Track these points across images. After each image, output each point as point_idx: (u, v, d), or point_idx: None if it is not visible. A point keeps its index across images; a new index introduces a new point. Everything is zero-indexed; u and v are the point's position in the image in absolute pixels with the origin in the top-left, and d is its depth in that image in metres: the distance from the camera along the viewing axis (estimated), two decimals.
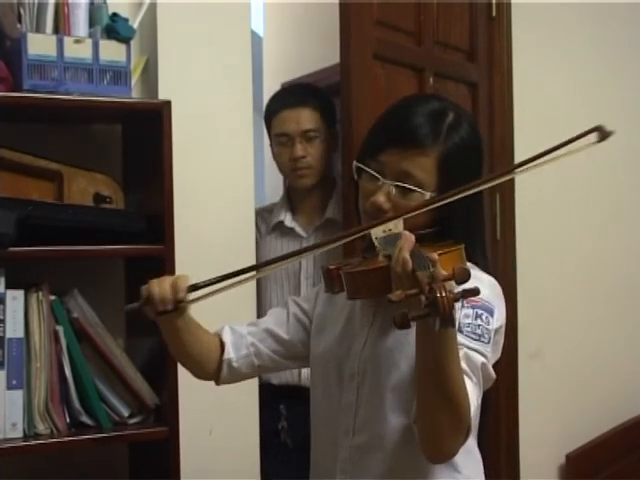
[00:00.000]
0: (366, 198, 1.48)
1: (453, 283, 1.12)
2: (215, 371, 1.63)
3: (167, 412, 1.98)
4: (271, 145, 2.56)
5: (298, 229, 2.53)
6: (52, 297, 1.91)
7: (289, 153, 2.47)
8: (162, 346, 1.98)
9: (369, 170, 1.48)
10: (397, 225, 1.36)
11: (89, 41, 1.95)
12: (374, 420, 1.46)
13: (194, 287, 1.43)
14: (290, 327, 1.65)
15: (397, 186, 1.44)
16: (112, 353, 1.98)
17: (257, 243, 2.46)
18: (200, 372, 1.65)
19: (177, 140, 2.00)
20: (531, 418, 3.01)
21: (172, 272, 1.95)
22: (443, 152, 1.44)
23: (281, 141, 2.49)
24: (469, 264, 1.43)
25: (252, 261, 2.36)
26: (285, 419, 2.51)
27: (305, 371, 2.44)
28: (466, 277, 1.12)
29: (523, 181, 2.90)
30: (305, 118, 2.46)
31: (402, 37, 2.52)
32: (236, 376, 1.65)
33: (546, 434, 3.07)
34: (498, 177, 1.41)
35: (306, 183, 2.50)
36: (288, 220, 2.54)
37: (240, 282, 1.40)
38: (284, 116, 2.47)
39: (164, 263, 1.95)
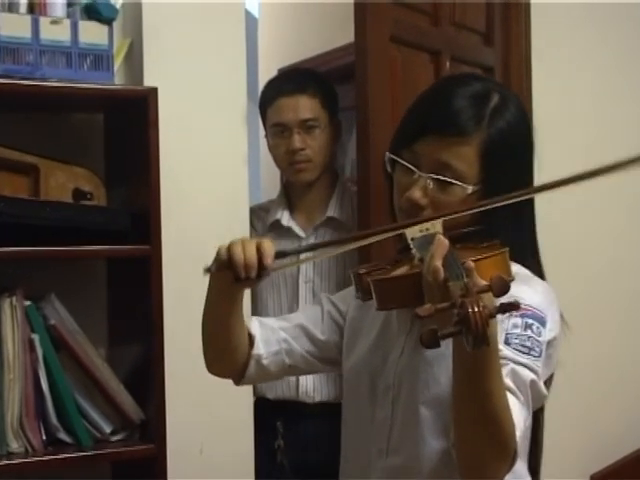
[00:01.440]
0: (401, 193, 1.44)
1: (491, 296, 1.09)
2: (241, 367, 1.57)
3: (153, 428, 1.98)
4: (266, 136, 2.56)
5: (296, 229, 2.53)
6: (27, 302, 1.90)
7: (286, 145, 2.46)
8: (147, 356, 1.99)
9: (403, 162, 1.43)
10: (435, 224, 1.32)
11: (67, 22, 1.95)
12: (410, 440, 1.42)
13: (282, 254, 1.38)
14: (325, 327, 1.61)
15: (435, 179, 1.39)
16: (93, 363, 1.97)
17: None
18: (224, 365, 1.58)
19: (164, 131, 2.00)
20: (553, 435, 3.00)
21: (158, 274, 1.95)
22: (486, 139, 1.40)
23: (277, 132, 2.48)
24: (519, 267, 1.40)
25: None
26: (282, 437, 2.50)
27: (303, 384, 2.44)
28: (505, 288, 1.08)
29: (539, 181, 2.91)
30: (303, 106, 2.45)
31: (418, 17, 2.54)
32: (263, 375, 1.60)
33: (569, 452, 3.07)
34: (561, 184, 1.31)
35: (305, 178, 2.49)
36: (285, 219, 2.54)
37: (327, 253, 1.39)
38: (280, 104, 2.47)
39: (150, 265, 1.95)
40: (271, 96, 2.50)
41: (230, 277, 1.37)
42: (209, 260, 2.24)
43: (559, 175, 1.42)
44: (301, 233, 2.52)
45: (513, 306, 1.07)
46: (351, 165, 3.51)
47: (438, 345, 1.05)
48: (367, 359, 1.52)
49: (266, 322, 1.62)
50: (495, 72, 2.87)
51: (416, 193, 1.41)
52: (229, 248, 1.36)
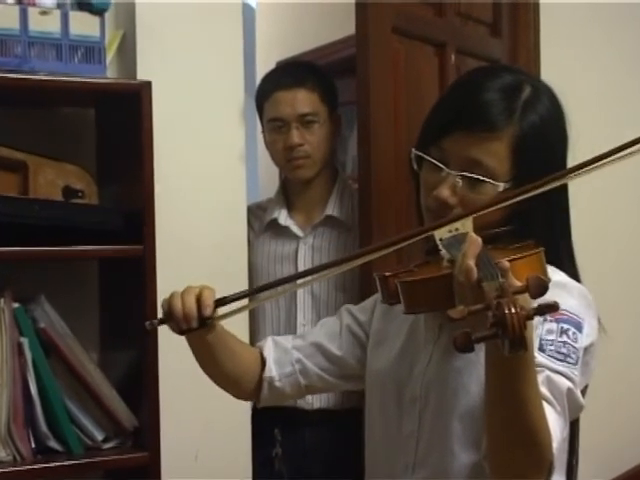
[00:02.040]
0: (428, 192, 1.42)
1: (527, 297, 1.07)
2: (254, 390, 1.61)
3: (147, 435, 1.97)
4: (263, 132, 2.55)
5: (294, 228, 2.52)
6: (15, 305, 1.90)
7: (284, 140, 2.46)
8: (141, 360, 1.99)
9: (430, 159, 1.42)
10: (465, 224, 1.30)
11: (57, 12, 1.94)
12: (438, 453, 1.41)
13: (221, 301, 1.41)
14: (343, 342, 1.61)
15: (464, 177, 1.38)
16: (84, 368, 1.97)
17: (250, 244, 2.46)
18: (238, 392, 1.63)
19: (158, 126, 1.99)
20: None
21: (152, 276, 1.95)
22: (518, 134, 1.38)
23: (275, 127, 2.48)
24: (553, 269, 1.37)
25: (244, 264, 2.36)
26: (280, 445, 2.50)
27: None
28: (543, 289, 1.06)
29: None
30: (302, 100, 2.45)
31: (422, 8, 2.54)
32: (279, 397, 1.62)
33: (588, 456, 3.06)
34: (589, 164, 1.28)
35: (303, 175, 2.49)
36: (283, 218, 2.53)
37: (275, 295, 1.40)
38: (278, 98, 2.46)
39: (143, 265, 1.94)
40: (268, 90, 2.50)
41: (175, 330, 1.42)
42: (205, 261, 2.26)
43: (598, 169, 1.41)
44: (299, 232, 2.52)
45: (552, 307, 1.04)
46: (352, 162, 3.51)
47: (472, 349, 1.03)
48: (393, 369, 1.50)
49: (280, 342, 1.63)
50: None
51: (444, 192, 1.39)
52: (169, 300, 1.41)
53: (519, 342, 1.01)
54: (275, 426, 2.49)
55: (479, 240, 1.19)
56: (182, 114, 2.25)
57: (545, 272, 1.25)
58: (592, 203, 3.15)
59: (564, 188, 1.43)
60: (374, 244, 1.44)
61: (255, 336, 2.44)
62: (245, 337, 2.28)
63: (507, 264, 1.12)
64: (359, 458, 2.28)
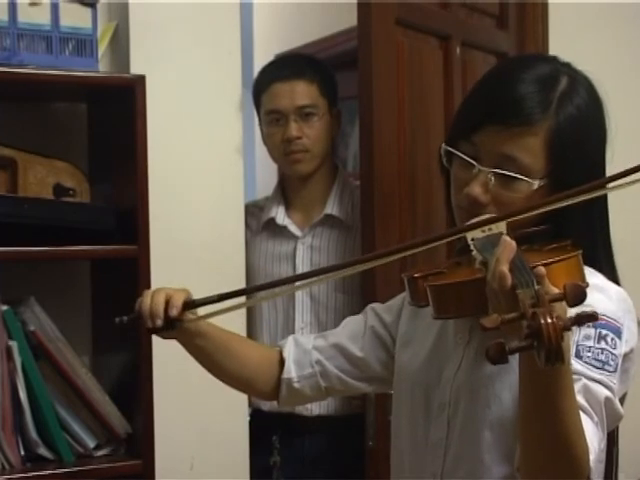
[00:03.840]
0: (459, 189, 1.40)
1: (564, 305, 1.05)
2: (273, 390, 1.61)
3: (141, 442, 1.97)
4: (260, 126, 2.55)
5: (292, 227, 2.52)
6: (4, 307, 1.89)
7: (281, 133, 2.45)
8: (134, 365, 1.98)
9: (461, 155, 1.39)
10: (498, 224, 1.28)
11: (47, 3, 1.94)
12: (468, 464, 1.39)
13: (190, 304, 1.44)
14: (366, 343, 1.60)
15: (496, 174, 1.36)
16: (76, 373, 1.97)
17: (247, 243, 2.45)
18: (256, 393, 1.66)
19: (152, 122, 1.99)
20: None
21: (147, 276, 1.94)
22: (554, 128, 1.35)
23: (272, 119, 2.47)
24: (591, 271, 1.35)
25: (241, 264, 2.36)
26: (278, 453, 2.49)
27: None
28: (582, 297, 1.04)
29: None
30: (300, 92, 2.45)
31: None
32: (299, 398, 1.63)
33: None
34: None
35: (302, 170, 2.48)
36: (280, 217, 2.53)
37: (248, 303, 1.41)
38: (275, 90, 2.46)
39: (137, 266, 1.94)
40: (266, 81, 2.50)
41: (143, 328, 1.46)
42: (201, 261, 2.25)
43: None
44: (297, 232, 2.51)
45: (591, 317, 1.01)
46: (354, 159, 3.51)
47: (506, 361, 1.01)
48: (421, 373, 1.48)
49: (301, 341, 1.63)
50: None
51: (476, 189, 1.37)
52: (140, 299, 1.46)
53: (556, 354, 0.99)
54: (273, 433, 2.49)
55: (513, 244, 1.17)
56: (177, 109, 2.25)
57: (583, 276, 1.23)
58: (633, 201, 3.14)
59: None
60: (397, 245, 1.42)
61: (252, 339, 2.43)
62: None
63: (543, 270, 1.10)
64: (360, 466, 2.28)
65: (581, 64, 3.22)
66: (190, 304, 1.44)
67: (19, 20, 1.90)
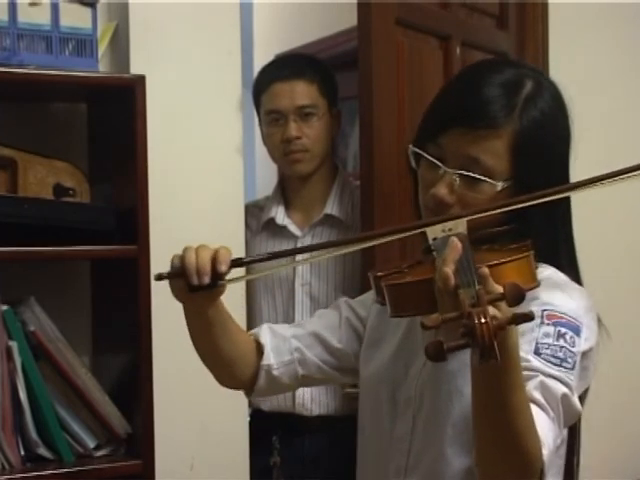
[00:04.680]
0: (425, 190, 1.43)
1: (504, 305, 1.08)
2: (250, 379, 1.59)
3: (141, 442, 1.97)
4: (260, 126, 2.56)
5: (292, 227, 2.52)
6: (4, 307, 1.89)
7: (281, 133, 2.46)
8: (134, 365, 1.98)
9: (428, 156, 1.42)
10: (458, 223, 1.29)
11: (47, 3, 1.94)
12: (431, 458, 1.41)
13: (238, 262, 1.37)
14: (342, 334, 1.61)
15: (462, 175, 1.39)
16: (76, 373, 1.97)
17: (247, 243, 2.45)
18: (230, 379, 1.60)
19: (152, 122, 1.99)
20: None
21: (147, 276, 1.94)
22: (518, 131, 1.38)
23: (272, 119, 2.48)
24: (553, 270, 1.39)
25: None
26: (278, 453, 2.49)
27: (299, 395, 2.43)
28: (520, 297, 1.07)
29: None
30: (300, 92, 2.45)
31: None
32: (275, 387, 1.61)
33: (590, 466, 3.05)
34: (595, 181, 1.28)
35: (301, 170, 2.48)
36: (280, 217, 2.53)
37: (290, 263, 1.38)
38: (275, 90, 2.47)
39: (137, 266, 1.94)
40: (266, 81, 2.50)
41: (183, 287, 1.37)
42: None
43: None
44: (297, 232, 2.51)
45: (527, 317, 1.05)
46: (354, 159, 3.51)
47: (445, 359, 1.04)
48: (388, 369, 1.51)
49: (278, 330, 1.62)
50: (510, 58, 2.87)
51: (442, 190, 1.40)
52: (182, 254, 1.37)
53: (488, 353, 1.02)
54: (273, 433, 2.49)
55: (459, 245, 1.19)
56: (177, 109, 2.25)
57: (533, 276, 1.25)
58: (598, 204, 3.14)
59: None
60: (360, 233, 1.44)
61: None
62: None
63: (486, 270, 1.13)
64: None
65: (581, 64, 3.24)
66: (237, 261, 1.37)
67: (19, 20, 1.91)
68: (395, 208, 2.29)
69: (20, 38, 1.91)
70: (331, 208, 2.50)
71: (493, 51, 2.78)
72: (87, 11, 1.98)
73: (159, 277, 1.38)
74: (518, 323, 1.06)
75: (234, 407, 2.27)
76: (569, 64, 3.03)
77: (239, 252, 2.36)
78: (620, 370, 3.17)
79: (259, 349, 1.58)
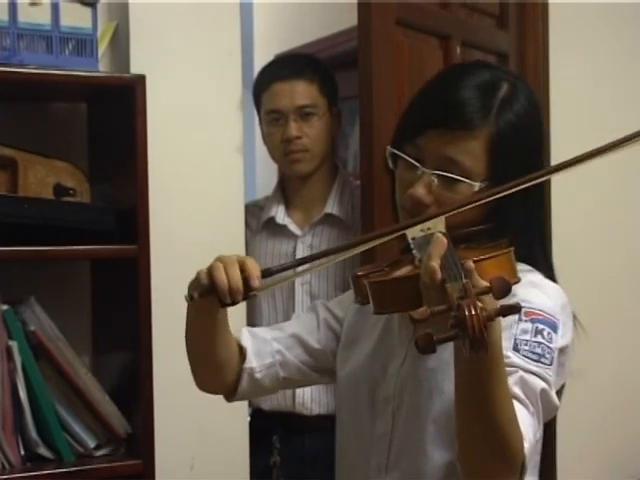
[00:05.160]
0: (403, 190, 1.45)
1: (491, 298, 1.10)
2: (232, 382, 1.59)
3: (140, 442, 1.97)
4: (261, 125, 2.56)
5: (292, 227, 2.52)
6: (4, 307, 1.90)
7: (281, 133, 2.46)
8: (134, 365, 1.98)
9: (406, 157, 1.44)
10: (437, 223, 1.32)
11: (48, 3, 1.94)
12: (411, 454, 1.43)
13: (268, 272, 1.37)
14: (321, 335, 1.62)
15: (439, 175, 1.40)
16: (76, 373, 1.97)
17: (247, 243, 2.46)
18: (214, 382, 1.60)
19: (152, 122, 1.99)
20: (571, 450, 3.00)
21: (147, 276, 1.95)
22: (494, 132, 1.41)
23: (272, 119, 2.48)
24: (530, 269, 1.41)
25: None
26: (278, 453, 2.50)
27: (299, 395, 2.43)
28: (506, 290, 1.10)
29: (560, 174, 2.90)
30: (300, 92, 2.46)
31: None
32: (256, 389, 1.62)
33: (589, 469, 3.06)
34: (566, 166, 1.32)
35: (301, 169, 2.49)
36: (280, 216, 2.53)
37: (316, 267, 1.40)
38: (276, 90, 2.47)
39: (137, 266, 1.94)
40: (266, 81, 2.51)
41: (214, 302, 1.37)
42: (201, 261, 2.24)
43: (574, 169, 1.42)
44: (297, 231, 2.52)
45: (514, 308, 1.08)
46: (354, 159, 3.51)
47: (434, 350, 1.06)
48: (366, 368, 1.52)
49: (258, 333, 1.62)
50: (510, 58, 2.87)
51: (419, 190, 1.42)
52: (210, 273, 1.36)
53: (479, 343, 1.05)
54: (273, 433, 2.49)
55: (444, 240, 1.22)
56: (177, 109, 2.25)
57: (514, 272, 1.28)
58: (598, 205, 3.15)
59: (537, 187, 1.45)
60: (346, 242, 1.46)
61: None
62: None
63: (472, 265, 1.15)
64: None
65: (581, 64, 3.24)
66: (267, 272, 1.37)
67: (19, 20, 1.91)
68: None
69: (20, 38, 1.91)
70: (331, 207, 2.50)
71: (493, 51, 2.78)
72: (87, 11, 1.98)
73: (191, 298, 1.38)
74: (506, 315, 1.09)
75: (234, 407, 2.25)
76: (569, 64, 3.03)
77: (239, 252, 2.36)
78: (620, 370, 3.18)
79: (241, 352, 1.59)
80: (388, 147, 1.48)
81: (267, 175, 3.68)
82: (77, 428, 1.96)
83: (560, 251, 2.97)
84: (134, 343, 1.99)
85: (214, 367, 1.56)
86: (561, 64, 3.00)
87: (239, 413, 2.30)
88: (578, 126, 2.84)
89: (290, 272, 1.41)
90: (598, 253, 3.13)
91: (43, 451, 1.93)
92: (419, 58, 2.44)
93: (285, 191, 2.58)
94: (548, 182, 3.10)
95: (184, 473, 2.26)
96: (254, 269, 1.35)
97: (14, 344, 1.89)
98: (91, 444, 1.97)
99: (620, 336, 3.17)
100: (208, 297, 1.37)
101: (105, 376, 2.06)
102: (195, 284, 1.39)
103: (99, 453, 1.98)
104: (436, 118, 1.42)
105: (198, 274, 1.39)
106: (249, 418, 2.44)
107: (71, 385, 1.96)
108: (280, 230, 2.53)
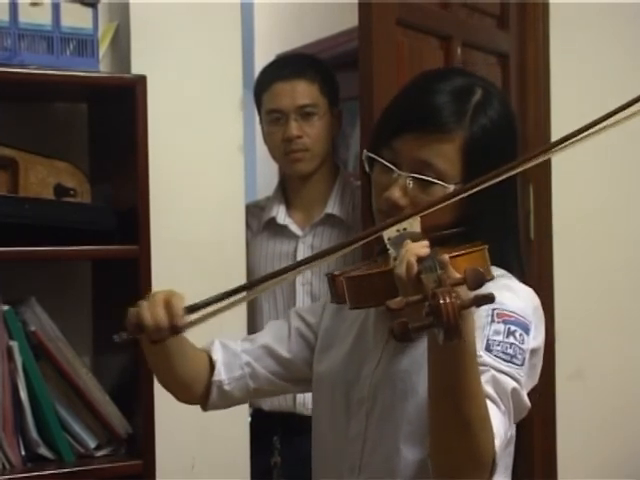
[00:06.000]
0: (379, 193, 1.47)
1: (465, 288, 1.12)
2: (203, 394, 1.62)
3: (141, 442, 1.97)
4: (261, 125, 2.56)
5: (293, 227, 2.52)
6: (5, 307, 1.89)
7: (282, 133, 2.46)
8: (135, 365, 1.98)
9: (382, 160, 1.46)
10: (412, 223, 1.35)
11: (48, 3, 1.94)
12: (384, 454, 1.44)
13: (191, 308, 1.40)
14: (292, 344, 1.64)
15: (415, 178, 1.43)
16: (76, 373, 1.97)
17: (248, 243, 2.45)
18: (185, 396, 1.64)
19: (153, 122, 1.99)
20: (570, 450, 3.00)
21: (147, 277, 1.94)
22: (468, 137, 1.43)
23: (273, 119, 2.48)
24: (502, 272, 1.43)
25: (242, 264, 2.36)
26: (279, 453, 2.49)
27: (301, 395, 2.42)
28: (480, 281, 1.12)
29: (561, 172, 2.89)
30: (301, 91, 2.46)
31: None
32: (227, 401, 1.64)
33: (588, 468, 3.06)
34: (530, 159, 1.34)
35: (302, 169, 2.49)
36: (281, 216, 2.53)
37: (244, 299, 1.40)
38: (276, 89, 2.47)
39: (138, 266, 1.94)
40: (267, 81, 2.51)
41: (145, 340, 1.43)
42: (202, 261, 2.25)
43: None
44: (298, 232, 2.52)
45: (487, 298, 1.09)
46: (354, 159, 3.51)
47: (410, 339, 1.08)
48: (341, 370, 1.53)
49: (229, 345, 1.64)
50: (510, 58, 2.87)
51: (395, 193, 1.44)
52: (137, 312, 1.41)
53: (453, 330, 1.06)
54: (274, 433, 2.49)
55: (420, 235, 1.27)
56: (178, 109, 2.25)
57: (488, 269, 1.30)
58: (598, 204, 3.15)
59: (512, 191, 1.49)
60: (327, 247, 1.48)
61: None
62: None
63: (447, 257, 1.19)
64: None
65: (581, 64, 3.24)
66: (192, 308, 1.40)
67: (20, 20, 1.90)
68: None
69: (21, 38, 1.91)
70: (332, 208, 2.50)
71: (494, 51, 2.79)
72: (88, 11, 1.98)
73: (120, 339, 1.43)
74: (479, 304, 1.10)
75: (234, 407, 2.26)
76: (569, 64, 3.03)
77: (240, 252, 2.36)
78: (620, 371, 3.18)
79: (211, 364, 1.61)
80: (365, 151, 1.51)
81: (267, 175, 3.68)
82: (78, 428, 1.96)
83: (560, 251, 3.00)
84: (135, 344, 1.98)
85: (181, 385, 1.61)
86: (561, 64, 3.00)
87: (240, 413, 2.30)
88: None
89: (225, 302, 1.40)
90: (598, 253, 3.13)
91: (44, 451, 1.92)
92: (419, 58, 2.44)
93: (286, 191, 2.58)
94: (548, 182, 3.12)
95: (185, 473, 2.26)
96: (178, 306, 1.38)
97: (15, 344, 1.89)
98: (92, 444, 1.97)
99: (620, 337, 3.17)
100: (138, 335, 1.42)
101: (105, 376, 2.06)
102: (126, 323, 1.43)
103: (100, 453, 1.98)
104: (412, 121, 1.44)
105: (129, 313, 1.43)
106: (250, 418, 2.43)
107: (72, 385, 1.96)
108: (281, 230, 2.53)
